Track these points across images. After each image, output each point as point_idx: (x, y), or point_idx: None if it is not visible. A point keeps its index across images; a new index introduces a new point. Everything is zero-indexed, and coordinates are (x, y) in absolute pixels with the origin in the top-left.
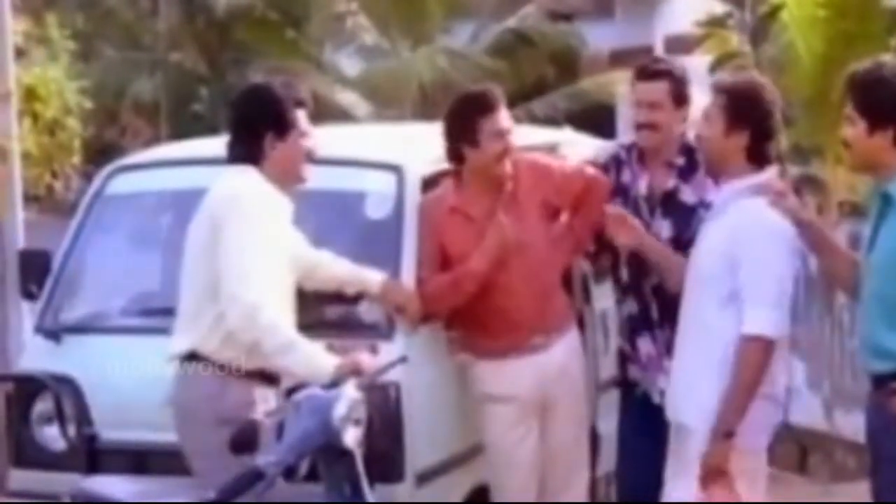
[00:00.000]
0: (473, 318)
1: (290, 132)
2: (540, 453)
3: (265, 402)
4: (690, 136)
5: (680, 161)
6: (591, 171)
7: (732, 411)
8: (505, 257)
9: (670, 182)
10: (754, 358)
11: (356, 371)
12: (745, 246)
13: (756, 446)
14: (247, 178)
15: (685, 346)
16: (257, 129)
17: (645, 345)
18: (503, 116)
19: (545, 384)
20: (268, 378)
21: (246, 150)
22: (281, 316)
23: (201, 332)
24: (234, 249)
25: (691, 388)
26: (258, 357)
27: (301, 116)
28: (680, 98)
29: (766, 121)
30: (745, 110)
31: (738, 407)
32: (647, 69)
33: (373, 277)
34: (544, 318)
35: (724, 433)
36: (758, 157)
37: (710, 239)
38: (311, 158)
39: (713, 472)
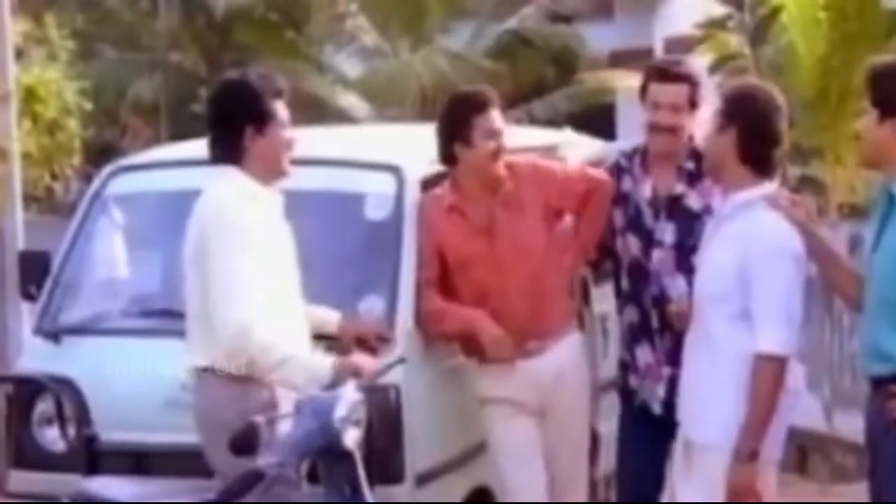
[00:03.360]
0: None
1: (269, 124)
2: (543, 453)
3: (288, 402)
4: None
5: (689, 165)
6: (594, 172)
7: (754, 432)
8: (504, 266)
9: (678, 187)
10: (769, 377)
11: (355, 372)
12: (755, 264)
13: (771, 458)
14: (230, 185)
15: (695, 362)
16: (236, 123)
17: (644, 354)
18: (496, 116)
19: (541, 389)
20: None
21: (227, 148)
22: (273, 331)
23: (210, 348)
24: (221, 271)
25: (703, 405)
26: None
27: (279, 107)
28: (694, 102)
29: (757, 121)
30: (734, 109)
31: (759, 426)
32: (671, 72)
33: (329, 316)
34: (539, 323)
35: (748, 454)
36: (754, 162)
37: (718, 253)
38: (292, 148)
39: (742, 494)
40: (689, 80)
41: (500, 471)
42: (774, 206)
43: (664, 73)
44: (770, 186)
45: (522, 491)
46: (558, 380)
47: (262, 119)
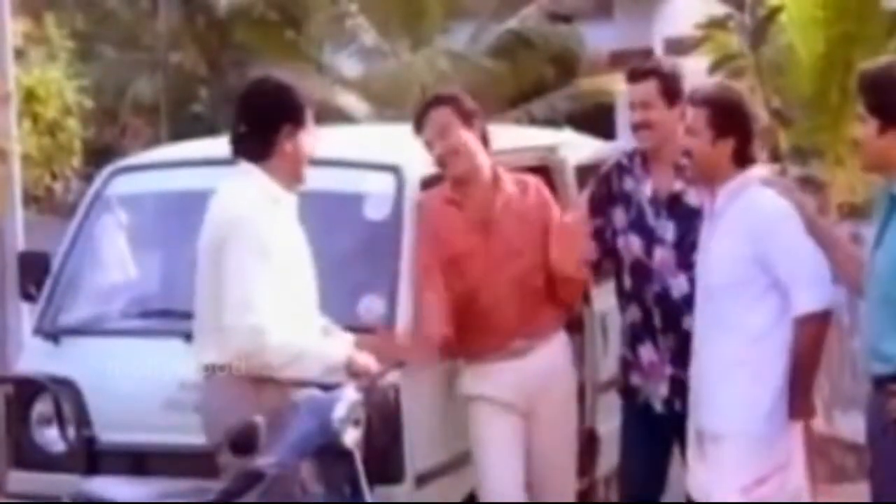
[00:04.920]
0: (458, 319)
1: (303, 128)
2: (525, 455)
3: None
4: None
5: (686, 163)
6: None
7: (805, 391)
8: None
9: (677, 184)
10: (810, 336)
11: (361, 373)
12: (766, 239)
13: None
14: (251, 185)
15: (705, 353)
16: (274, 120)
17: (647, 352)
18: (430, 127)
19: (527, 389)
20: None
21: (258, 145)
22: (285, 330)
23: (223, 348)
24: (236, 276)
25: (715, 394)
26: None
27: (311, 115)
28: (671, 95)
29: (748, 126)
30: (729, 120)
31: (808, 384)
32: (635, 70)
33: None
34: (527, 324)
35: (806, 412)
36: (743, 159)
37: (724, 245)
38: (312, 159)
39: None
40: (656, 74)
41: (479, 466)
42: (769, 185)
43: (631, 74)
44: (759, 169)
45: (498, 488)
46: (545, 381)
47: (300, 119)
